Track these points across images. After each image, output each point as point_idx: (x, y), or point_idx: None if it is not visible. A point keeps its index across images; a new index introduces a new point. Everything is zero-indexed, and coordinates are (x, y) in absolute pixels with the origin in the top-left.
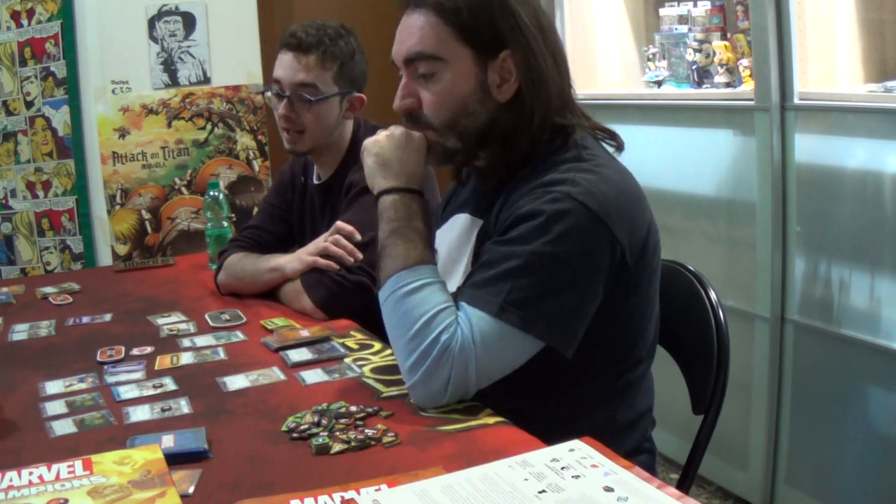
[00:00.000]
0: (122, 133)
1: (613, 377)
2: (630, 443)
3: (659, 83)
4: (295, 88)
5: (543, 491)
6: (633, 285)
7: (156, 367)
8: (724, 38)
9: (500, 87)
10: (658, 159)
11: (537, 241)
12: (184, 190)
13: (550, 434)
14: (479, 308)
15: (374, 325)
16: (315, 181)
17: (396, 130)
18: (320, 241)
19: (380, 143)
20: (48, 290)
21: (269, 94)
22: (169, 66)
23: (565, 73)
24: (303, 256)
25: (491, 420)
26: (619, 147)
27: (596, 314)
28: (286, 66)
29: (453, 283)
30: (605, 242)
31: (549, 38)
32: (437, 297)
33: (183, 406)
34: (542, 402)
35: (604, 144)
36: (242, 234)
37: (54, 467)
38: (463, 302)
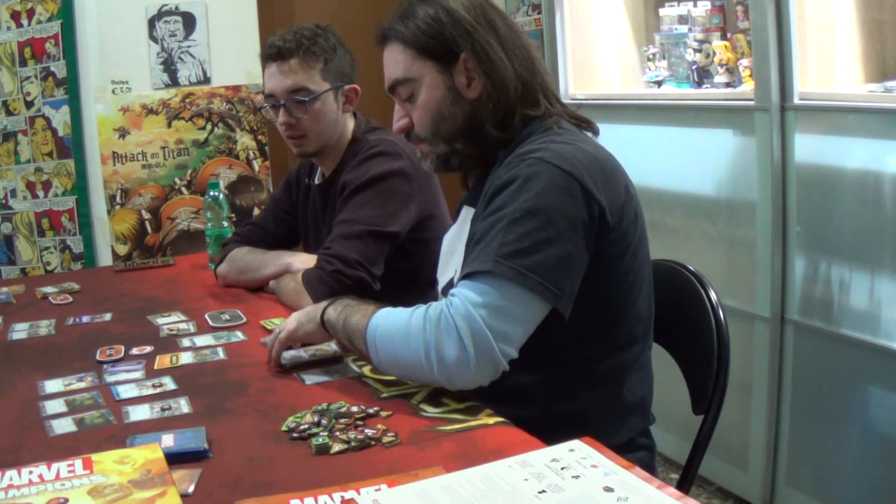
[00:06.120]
0: (122, 133)
1: (607, 352)
2: (630, 429)
3: (659, 83)
4: (287, 95)
5: (543, 491)
6: (619, 250)
7: (155, 367)
8: (724, 38)
9: (469, 87)
10: (658, 159)
11: (517, 201)
12: (184, 190)
13: (551, 412)
14: (476, 272)
15: None
16: (317, 181)
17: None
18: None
19: (288, 324)
20: (48, 289)
21: (266, 108)
22: (169, 66)
23: (526, 61)
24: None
25: (491, 420)
26: (595, 133)
27: (584, 282)
28: (273, 76)
29: (449, 273)
30: (581, 198)
31: (501, 32)
32: (406, 309)
33: (183, 405)
34: (540, 375)
35: (584, 131)
36: (244, 229)
37: (54, 466)
38: (459, 281)
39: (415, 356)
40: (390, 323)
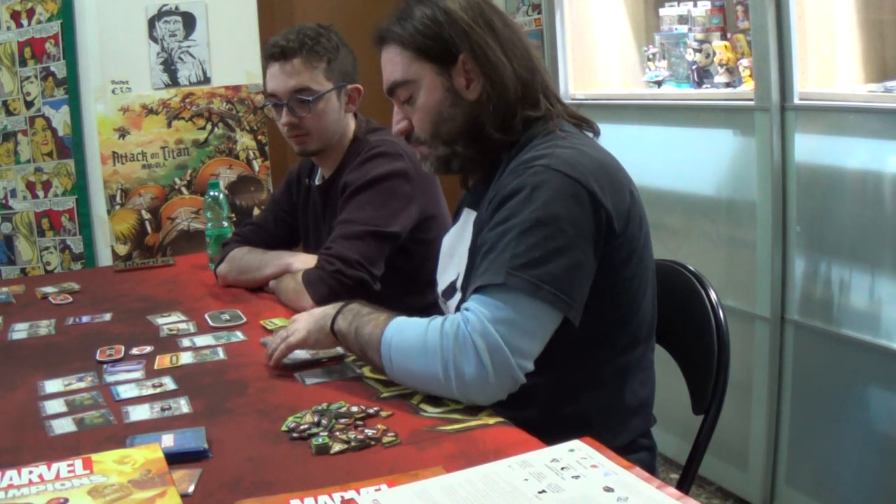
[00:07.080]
0: (122, 133)
1: (612, 355)
2: (632, 430)
3: (659, 83)
4: (290, 95)
5: (543, 491)
6: (625, 255)
7: (155, 367)
8: (724, 38)
9: (468, 88)
10: (658, 159)
11: (525, 211)
12: (184, 190)
13: (554, 414)
14: (488, 286)
15: None
16: (317, 182)
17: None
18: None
19: (296, 328)
20: (48, 289)
21: (268, 106)
22: (169, 66)
23: (525, 61)
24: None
25: (491, 420)
26: (596, 133)
27: (591, 288)
28: (276, 76)
29: (450, 276)
30: (589, 205)
31: (499, 32)
32: (421, 321)
33: (183, 405)
34: (544, 378)
35: (584, 132)
36: (244, 229)
37: (54, 466)
38: (471, 294)
39: (432, 372)
40: (406, 336)
